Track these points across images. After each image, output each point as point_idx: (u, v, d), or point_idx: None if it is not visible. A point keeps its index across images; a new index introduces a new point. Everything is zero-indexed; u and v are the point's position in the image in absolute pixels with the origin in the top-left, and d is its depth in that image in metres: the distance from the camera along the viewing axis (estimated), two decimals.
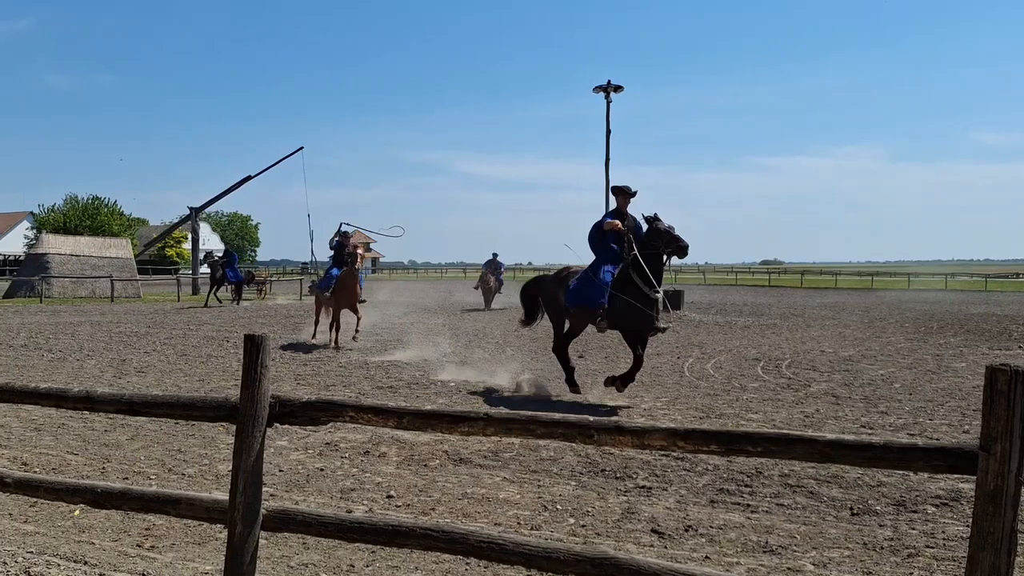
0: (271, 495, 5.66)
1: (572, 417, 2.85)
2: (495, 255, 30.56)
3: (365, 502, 5.58)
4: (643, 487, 5.96)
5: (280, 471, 6.36)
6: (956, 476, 4.57)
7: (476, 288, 30.29)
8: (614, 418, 2.85)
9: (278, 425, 3.54)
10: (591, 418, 2.83)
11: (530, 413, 2.88)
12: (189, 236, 51.73)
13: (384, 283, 60.15)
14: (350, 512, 5.24)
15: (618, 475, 6.24)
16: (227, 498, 3.29)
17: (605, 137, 34.63)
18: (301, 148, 44.59)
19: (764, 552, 4.64)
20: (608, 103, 34.64)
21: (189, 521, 4.90)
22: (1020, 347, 16.63)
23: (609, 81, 34.52)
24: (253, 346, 3.16)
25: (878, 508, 5.47)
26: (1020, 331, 20.70)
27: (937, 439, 7.19)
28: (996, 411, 2.32)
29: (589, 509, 5.41)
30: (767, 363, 13.55)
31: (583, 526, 5.07)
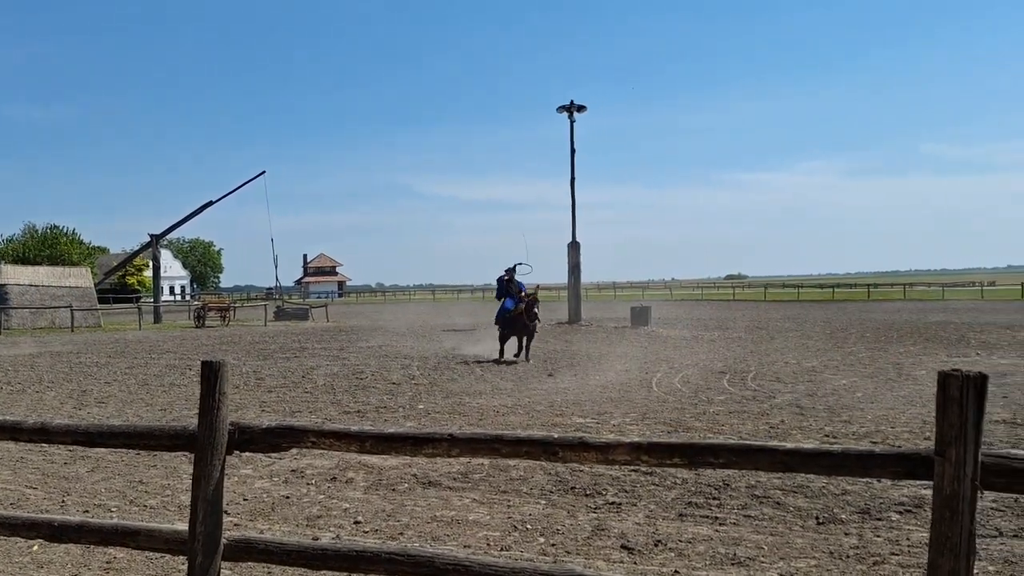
0: (235, 524, 5.57)
1: (537, 434, 2.85)
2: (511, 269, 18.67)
3: (332, 528, 5.50)
4: (613, 503, 5.96)
5: (245, 500, 6.26)
6: (919, 482, 4.64)
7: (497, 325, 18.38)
8: (579, 434, 2.85)
9: (241, 453, 3.49)
10: (556, 435, 2.83)
11: (495, 432, 2.87)
12: (150, 264, 51.01)
13: (364, 308, 59.74)
14: (316, 539, 5.16)
15: (588, 492, 6.24)
16: (187, 528, 3.23)
17: (570, 157, 34.97)
18: (263, 172, 44.45)
19: (732, 564, 4.66)
20: (572, 123, 34.95)
21: (151, 553, 4.79)
22: (978, 353, 16.98)
23: (572, 101, 34.85)
24: (211, 373, 3.12)
25: (843, 516, 5.53)
26: (978, 338, 21.14)
27: (898, 446, 7.28)
28: (949, 417, 2.36)
29: (559, 527, 5.39)
30: (733, 376, 13.67)
31: (553, 545, 5.05)
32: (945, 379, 2.37)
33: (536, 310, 17.51)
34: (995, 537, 5.05)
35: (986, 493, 4.65)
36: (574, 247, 34.46)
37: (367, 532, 5.39)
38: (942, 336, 22.01)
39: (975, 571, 4.40)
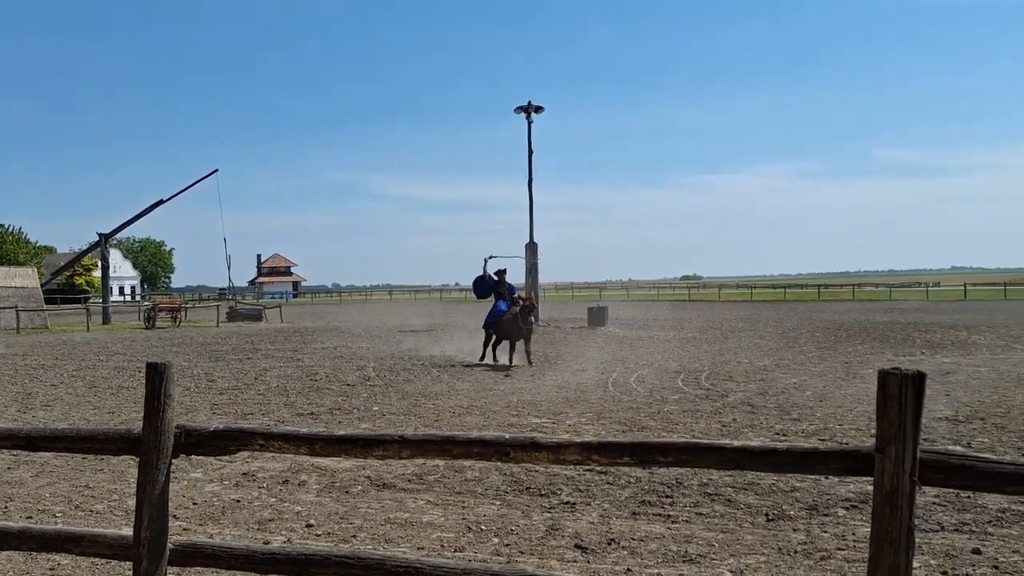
0: (183, 529, 5.47)
1: (489, 435, 2.85)
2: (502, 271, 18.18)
3: (284, 532, 5.44)
4: (567, 503, 5.99)
5: (194, 504, 6.15)
6: (865, 479, 4.75)
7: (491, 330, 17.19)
8: (530, 435, 2.86)
9: (193, 457, 3.43)
10: (507, 436, 2.83)
11: (446, 433, 2.87)
12: (99, 263, 49.85)
13: (329, 309, 59.11)
14: (267, 543, 5.10)
15: (542, 492, 6.26)
16: (132, 533, 3.16)
17: (528, 157, 35.06)
18: (215, 171, 43.75)
19: (684, 561, 4.72)
20: (529, 123, 35.05)
21: (96, 559, 4.68)
22: (923, 352, 17.44)
23: (530, 102, 34.94)
24: (156, 375, 3.06)
25: (792, 513, 5.63)
26: (923, 337, 21.71)
27: (846, 443, 7.45)
28: (889, 414, 2.42)
29: (513, 528, 5.40)
30: (687, 375, 13.84)
31: (507, 545, 5.06)
32: (885, 377, 2.43)
33: (531, 316, 16.93)
34: (937, 531, 5.19)
35: (927, 489, 4.79)
36: (531, 248, 34.55)
37: (319, 535, 5.34)
38: (889, 336, 22.55)
39: (917, 565, 4.53)
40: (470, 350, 19.41)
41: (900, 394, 2.40)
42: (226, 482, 6.79)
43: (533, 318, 17.06)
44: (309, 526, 5.55)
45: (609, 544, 5.04)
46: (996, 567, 4.54)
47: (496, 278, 17.94)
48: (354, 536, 5.28)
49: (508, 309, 16.98)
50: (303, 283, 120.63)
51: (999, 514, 5.48)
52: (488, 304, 18.24)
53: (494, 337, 17.09)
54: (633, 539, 5.13)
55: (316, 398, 11.73)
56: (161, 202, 43.18)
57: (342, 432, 2.90)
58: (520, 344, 16.48)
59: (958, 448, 2.50)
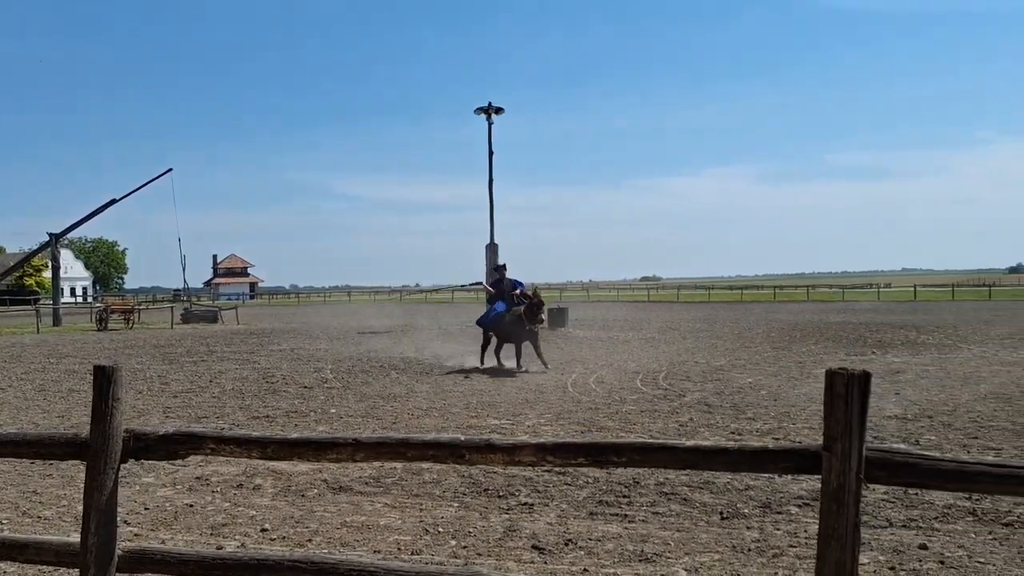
0: (135, 535, 5.36)
1: (444, 437, 2.85)
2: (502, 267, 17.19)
3: (237, 537, 5.36)
4: (525, 504, 6.00)
5: (146, 509, 6.03)
6: (816, 476, 4.85)
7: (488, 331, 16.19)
8: (486, 436, 2.86)
9: (143, 461, 3.36)
10: (462, 437, 2.83)
11: (401, 436, 2.86)
12: (49, 264, 48.64)
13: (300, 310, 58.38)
14: (220, 548, 5.03)
15: (501, 493, 6.26)
16: (79, 540, 3.09)
17: (488, 158, 35.07)
18: (170, 170, 42.91)
19: (640, 561, 4.76)
20: (490, 124, 35.05)
21: (44, 567, 4.57)
22: (874, 352, 17.82)
23: (490, 103, 34.94)
24: (104, 378, 2.99)
25: (746, 511, 5.71)
26: (874, 337, 22.19)
27: (799, 441, 7.58)
28: (836, 413, 2.47)
29: (471, 530, 5.39)
30: (646, 376, 13.96)
31: (465, 547, 5.05)
32: (832, 377, 2.48)
33: (542, 315, 15.35)
34: (886, 528, 5.31)
35: (876, 486, 4.89)
36: (492, 249, 34.58)
37: (274, 540, 5.27)
38: (842, 336, 23.00)
39: (866, 561, 4.63)
40: (432, 351, 19.35)
41: (846, 393, 2.46)
42: (179, 487, 6.68)
43: (542, 317, 15.47)
44: (264, 530, 5.48)
45: (566, 545, 5.06)
46: (942, 562, 4.65)
47: (497, 274, 16.60)
48: (310, 540, 5.23)
49: (508, 308, 15.52)
50: (260, 284, 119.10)
51: (945, 510, 5.62)
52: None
53: (493, 339, 15.81)
54: (590, 539, 5.16)
55: (272, 401, 11.59)
56: (114, 201, 42.26)
57: (295, 436, 2.87)
58: (527, 347, 15.23)
59: (902, 446, 2.57)
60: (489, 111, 34.66)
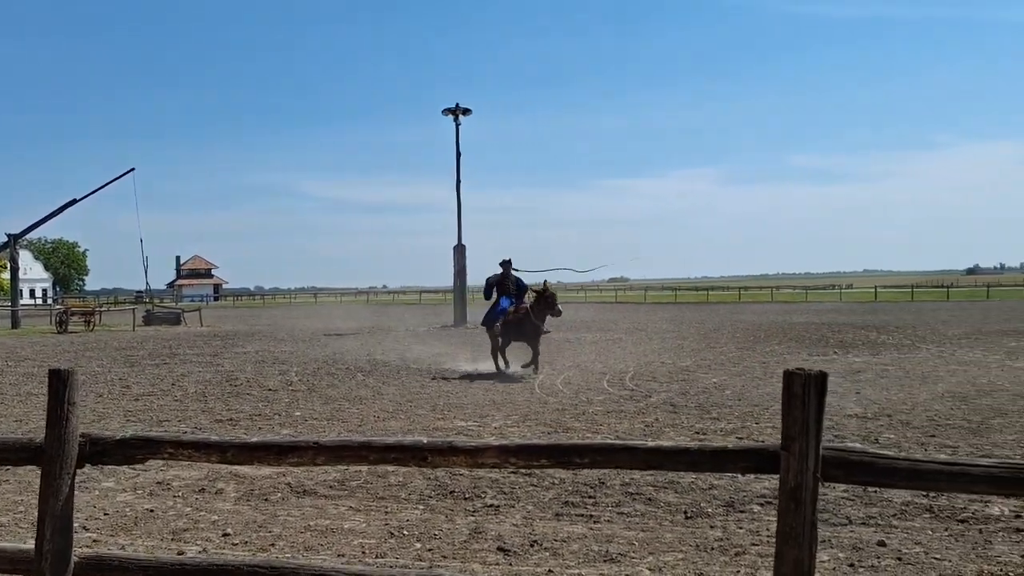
0: (94, 540, 5.26)
1: (406, 440, 2.84)
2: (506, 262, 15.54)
3: (199, 542, 5.28)
4: (491, 506, 5.99)
5: (105, 514, 5.93)
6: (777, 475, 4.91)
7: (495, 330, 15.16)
8: (448, 439, 2.86)
9: (105, 466, 3.30)
10: (425, 440, 2.82)
11: (363, 439, 2.84)
12: (8, 265, 47.55)
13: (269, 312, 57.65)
14: (181, 554, 4.96)
15: (467, 496, 6.25)
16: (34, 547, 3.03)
17: (455, 160, 35.03)
18: (132, 170, 42.16)
19: (605, 561, 4.78)
20: (457, 125, 35.07)
21: None
22: (835, 352, 18.10)
23: (457, 104, 34.96)
24: (59, 382, 2.94)
25: (710, 510, 5.77)
26: (836, 337, 22.54)
27: (763, 440, 7.67)
28: (793, 413, 2.51)
29: (437, 532, 5.38)
30: (612, 376, 14.03)
31: (430, 550, 5.03)
32: (789, 378, 2.51)
33: (558, 307, 14.26)
34: (845, 525, 5.39)
35: (836, 484, 4.96)
36: (460, 250, 34.55)
37: (236, 544, 5.21)
38: (805, 336, 23.33)
39: (826, 558, 4.69)
40: (398, 353, 19.27)
41: (803, 393, 2.49)
42: (139, 491, 6.57)
43: (559, 308, 14.41)
44: (226, 535, 5.41)
45: (532, 546, 5.07)
46: (899, 559, 4.74)
47: (501, 269, 15.30)
48: (273, 545, 5.17)
49: (514, 305, 14.61)
50: (224, 286, 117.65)
51: (903, 507, 5.73)
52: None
53: (500, 339, 14.89)
54: (556, 540, 5.17)
55: (236, 404, 11.45)
56: (74, 202, 41.39)
57: (255, 439, 2.84)
58: (521, 345, 14.62)
59: (858, 445, 2.61)
60: (456, 112, 34.64)
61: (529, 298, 14.71)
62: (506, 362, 14.81)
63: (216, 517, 5.83)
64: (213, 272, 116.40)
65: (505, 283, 15.03)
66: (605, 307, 54.16)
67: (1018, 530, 5.20)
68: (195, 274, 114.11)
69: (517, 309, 14.54)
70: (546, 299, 14.18)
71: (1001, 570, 4.53)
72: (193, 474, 7.00)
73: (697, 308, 50.78)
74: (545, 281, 15.07)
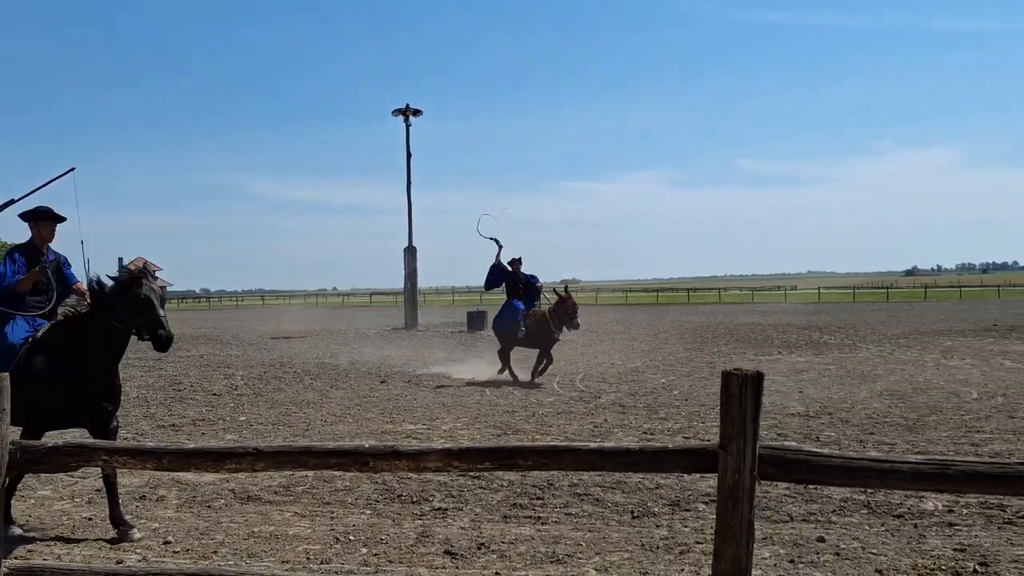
0: (29, 551, 5.10)
1: (347, 445, 2.81)
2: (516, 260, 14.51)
3: (139, 550, 5.16)
4: (439, 509, 5.97)
5: (42, 523, 5.75)
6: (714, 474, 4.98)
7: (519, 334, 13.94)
8: (391, 443, 2.84)
9: (41, 475, 3.20)
10: (367, 444, 2.80)
11: (304, 444, 2.81)
12: None
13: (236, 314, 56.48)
14: (120, 562, 4.84)
15: (414, 499, 6.22)
16: None
17: (406, 161, 34.83)
18: (72, 169, 40.98)
19: (551, 562, 4.80)
20: (407, 126, 34.87)
21: None
22: (779, 352, 18.47)
23: (408, 105, 34.76)
24: None
25: (656, 509, 5.84)
26: (781, 338, 23.00)
27: (708, 440, 7.79)
28: (731, 412, 2.56)
29: (383, 537, 5.34)
30: (563, 377, 14.10)
31: (376, 555, 4.99)
32: (727, 378, 2.56)
33: (577, 320, 13.40)
34: (787, 522, 5.51)
35: (779, 482, 5.07)
36: (411, 252, 34.38)
37: (177, 552, 5.09)
38: (751, 337, 23.75)
39: (768, 555, 4.79)
40: (348, 356, 19.09)
41: (741, 393, 2.54)
42: (77, 499, 6.40)
43: (577, 322, 13.53)
44: (167, 543, 5.29)
45: (479, 549, 5.06)
46: (838, 554, 4.86)
47: (510, 268, 14.22)
48: (215, 552, 5.07)
49: (528, 308, 13.72)
50: (169, 288, 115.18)
51: (842, 503, 5.87)
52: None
53: (509, 343, 14.04)
54: (503, 542, 5.17)
55: (179, 409, 11.21)
56: (12, 202, 40.04)
57: (191, 446, 2.79)
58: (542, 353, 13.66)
59: (793, 444, 2.67)
60: (407, 113, 34.48)
61: (545, 300, 14.07)
62: (510, 369, 13.86)
63: (157, 524, 5.71)
64: (157, 274, 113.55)
65: (514, 283, 14.09)
66: None
67: (950, 524, 5.37)
68: None
69: (533, 313, 13.72)
70: (567, 309, 13.39)
71: (934, 563, 4.67)
72: (134, 481, 6.83)
73: (647, 309, 51.34)
74: (567, 287, 14.37)
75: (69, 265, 6.32)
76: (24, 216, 6.17)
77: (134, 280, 5.53)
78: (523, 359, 14.32)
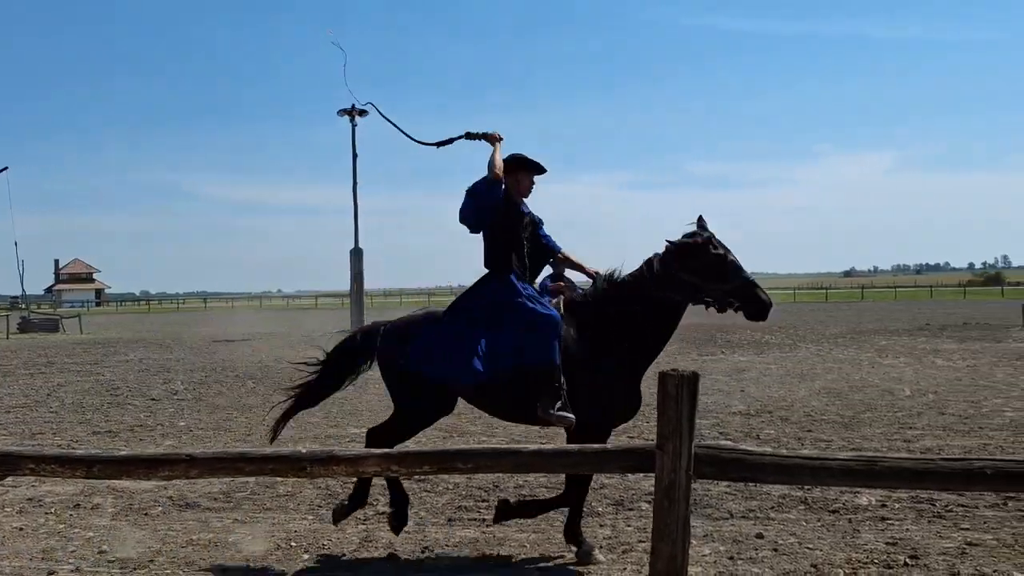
0: None
1: (284, 451, 2.78)
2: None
3: (72, 560, 5.00)
4: (383, 513, 5.91)
5: None
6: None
7: None
8: (328, 448, 2.81)
9: None
10: (304, 450, 2.77)
11: (239, 450, 2.76)
12: None
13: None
14: (52, 573, 4.71)
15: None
16: None
17: (352, 162, 34.49)
18: (5, 168, 39.63)
19: (496, 565, 4.80)
20: (353, 127, 34.51)
21: None
22: (723, 352, 18.80)
23: (353, 105, 34.31)
24: None
25: (600, 509, 5.88)
26: (724, 338, 23.41)
27: (651, 439, 7.89)
28: (667, 413, 2.60)
29: (326, 542, 5.27)
30: None
31: (318, 560, 4.93)
32: (663, 378, 2.60)
33: None
34: (727, 519, 5.60)
35: (720, 480, 5.16)
36: (357, 254, 34.07)
37: (112, 562, 4.96)
38: (695, 337, 24.10)
39: (708, 552, 4.87)
40: (292, 359, 18.77)
41: (677, 394, 2.58)
42: (8, 509, 6.18)
43: None
44: (102, 552, 5.15)
45: (423, 552, 5.04)
46: (775, 550, 4.96)
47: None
48: (152, 561, 4.95)
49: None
50: (107, 290, 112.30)
51: (780, 500, 6.00)
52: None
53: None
54: (447, 545, 5.16)
55: (116, 415, 10.90)
56: None
57: (123, 453, 2.73)
58: None
59: (729, 443, 2.72)
60: (353, 113, 34.11)
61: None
62: None
63: (92, 534, 5.54)
64: (95, 276, 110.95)
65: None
66: None
67: (883, 519, 5.53)
68: (75, 278, 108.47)
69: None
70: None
71: (867, 557, 4.80)
72: (68, 489, 6.63)
73: None
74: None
75: (543, 225, 5.43)
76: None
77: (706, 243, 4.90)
78: None
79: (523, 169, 5.16)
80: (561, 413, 4.62)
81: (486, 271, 5.16)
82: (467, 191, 5.14)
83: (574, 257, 5.51)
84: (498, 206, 5.05)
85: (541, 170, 5.22)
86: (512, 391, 4.74)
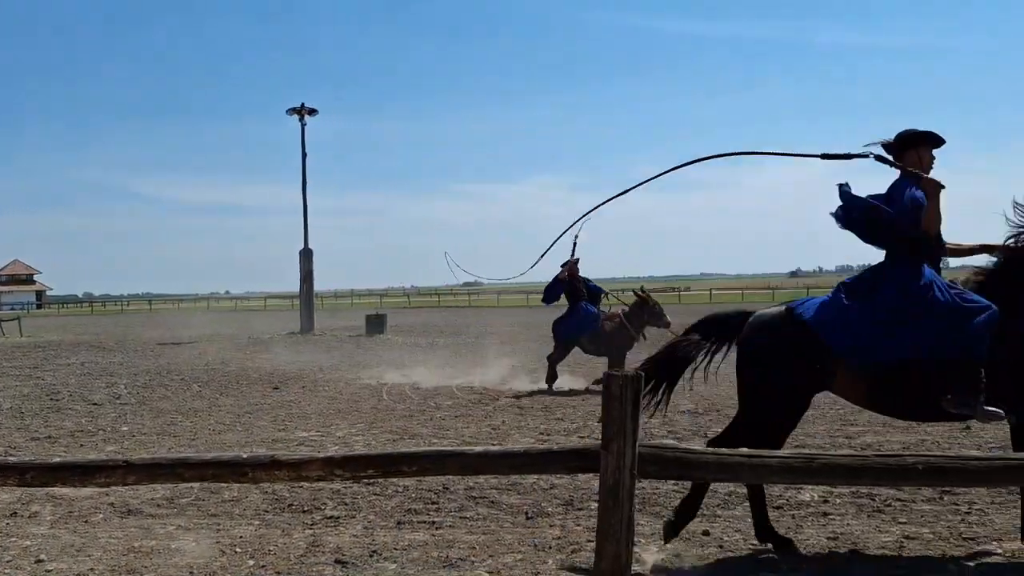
0: None
1: (225, 456, 2.73)
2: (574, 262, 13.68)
3: (7, 571, 4.85)
4: (331, 517, 5.86)
5: None
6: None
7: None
8: (269, 453, 2.77)
9: None
10: (244, 455, 2.73)
11: (178, 456, 2.71)
12: None
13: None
14: None
15: (305, 508, 6.08)
16: None
17: (301, 160, 34.11)
18: None
19: (444, 567, 4.78)
20: (303, 125, 34.15)
21: None
22: None
23: (303, 104, 34.04)
24: None
25: (550, 510, 5.91)
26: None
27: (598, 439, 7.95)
28: (612, 413, 2.62)
29: (271, 548, 5.20)
30: (463, 380, 14.10)
31: (263, 566, 4.85)
32: (608, 379, 2.62)
33: (666, 318, 12.58)
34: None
35: (669, 479, 5.21)
36: (306, 254, 33.69)
37: (50, 571, 4.82)
38: (647, 337, 24.35)
39: (655, 549, 4.92)
40: (240, 362, 18.51)
41: (621, 394, 2.61)
42: None
43: (669, 319, 12.53)
44: (39, 561, 5.00)
45: (371, 556, 4.99)
46: (721, 546, 5.04)
47: (567, 275, 13.20)
48: (91, 569, 4.82)
49: (599, 312, 12.98)
50: (48, 292, 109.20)
51: (726, 497, 6.10)
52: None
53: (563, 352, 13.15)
54: (396, 549, 5.12)
55: (56, 420, 10.60)
56: None
57: (57, 459, 2.65)
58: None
59: (671, 442, 2.76)
60: (302, 112, 33.78)
61: (609, 300, 13.62)
62: (555, 376, 13.04)
63: (29, 543, 5.38)
64: (35, 278, 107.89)
65: (577, 286, 13.24)
66: (458, 312, 54.34)
67: (825, 514, 5.66)
68: (14, 280, 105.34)
69: (610, 317, 12.96)
70: (653, 309, 12.80)
71: (809, 552, 4.91)
72: (4, 497, 6.41)
73: (549, 311, 51.90)
74: (643, 287, 13.83)
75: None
76: (901, 143, 4.89)
77: None
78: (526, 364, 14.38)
79: (924, 143, 4.92)
80: (990, 408, 4.36)
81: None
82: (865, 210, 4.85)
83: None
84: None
85: (941, 141, 4.94)
86: (921, 380, 4.49)
